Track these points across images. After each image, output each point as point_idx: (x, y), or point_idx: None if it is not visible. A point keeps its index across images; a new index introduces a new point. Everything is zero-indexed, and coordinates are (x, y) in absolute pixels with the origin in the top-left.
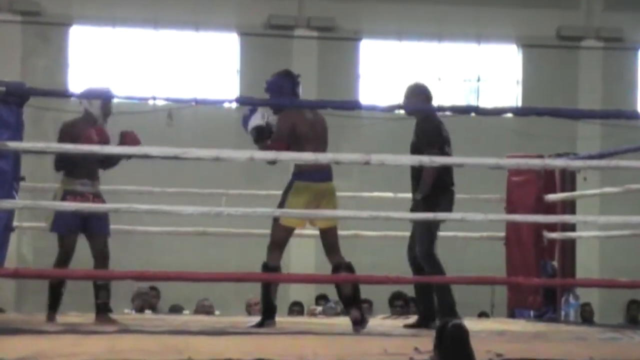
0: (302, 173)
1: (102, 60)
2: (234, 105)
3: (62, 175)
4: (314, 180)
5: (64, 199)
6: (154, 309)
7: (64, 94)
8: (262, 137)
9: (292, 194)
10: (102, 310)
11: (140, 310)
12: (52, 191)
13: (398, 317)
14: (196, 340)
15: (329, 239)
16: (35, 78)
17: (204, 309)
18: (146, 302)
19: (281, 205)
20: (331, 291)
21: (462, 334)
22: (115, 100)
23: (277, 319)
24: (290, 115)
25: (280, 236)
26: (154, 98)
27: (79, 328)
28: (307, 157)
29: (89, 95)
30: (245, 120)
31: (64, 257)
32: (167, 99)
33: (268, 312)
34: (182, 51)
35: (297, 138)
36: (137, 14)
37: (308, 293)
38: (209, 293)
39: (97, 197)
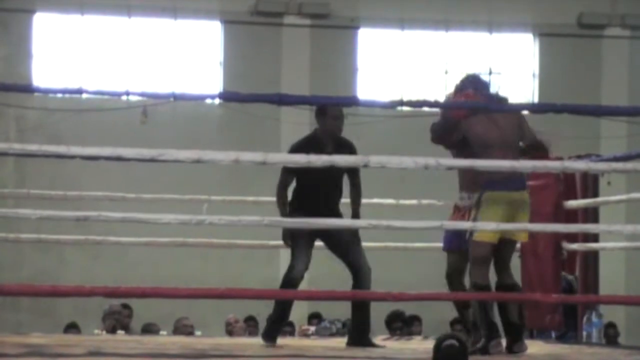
0: (495, 182)
1: (69, 51)
2: (217, 101)
3: None
4: (508, 189)
5: None
6: (126, 329)
7: (28, 89)
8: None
9: (485, 205)
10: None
11: (111, 330)
12: (13, 197)
13: (400, 338)
14: None
15: (508, 253)
16: None
17: (184, 329)
18: (118, 321)
19: (474, 220)
20: (325, 309)
21: (456, 354)
22: (84, 96)
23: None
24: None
25: (478, 252)
26: (128, 93)
27: (43, 350)
28: (298, 159)
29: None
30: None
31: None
32: (142, 95)
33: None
34: (159, 41)
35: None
36: None
37: (300, 311)
38: (188, 311)
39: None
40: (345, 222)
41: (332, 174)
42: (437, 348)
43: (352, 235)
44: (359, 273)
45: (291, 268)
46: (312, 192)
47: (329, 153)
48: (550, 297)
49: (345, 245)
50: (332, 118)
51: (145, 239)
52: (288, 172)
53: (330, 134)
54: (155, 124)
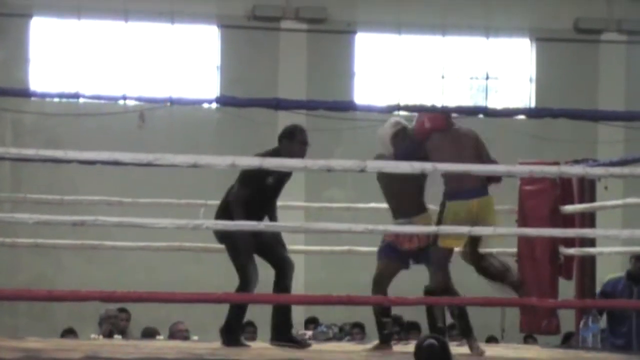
0: (454, 193)
1: (67, 56)
2: (214, 105)
3: None
4: (466, 198)
5: None
6: (123, 333)
7: (25, 93)
8: None
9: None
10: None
11: (108, 335)
12: (9, 201)
13: (397, 343)
14: None
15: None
16: None
17: (179, 334)
18: (115, 326)
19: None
20: (322, 313)
21: (437, 353)
22: (81, 101)
23: (261, 344)
24: None
25: (442, 258)
26: (125, 98)
27: (40, 355)
28: (294, 164)
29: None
30: None
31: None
32: (139, 99)
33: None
34: (156, 45)
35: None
36: (105, 3)
37: (296, 315)
38: (185, 315)
39: None
40: (341, 226)
41: (277, 193)
42: (418, 349)
43: (277, 239)
44: (285, 266)
45: (247, 283)
46: (259, 210)
47: (285, 177)
48: (546, 301)
49: (271, 247)
50: (300, 143)
51: (142, 243)
52: (247, 188)
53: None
54: (152, 128)
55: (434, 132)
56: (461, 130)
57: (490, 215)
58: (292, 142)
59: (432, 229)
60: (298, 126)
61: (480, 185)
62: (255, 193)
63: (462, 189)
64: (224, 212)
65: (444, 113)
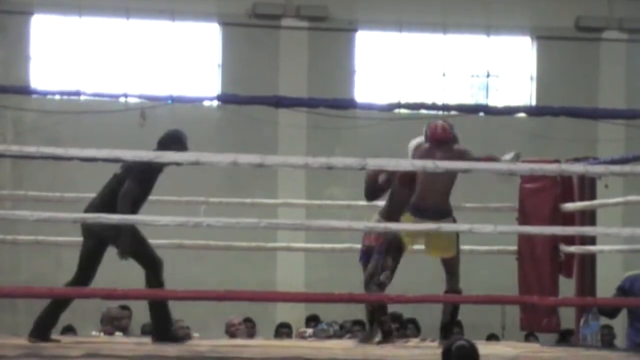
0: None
1: (67, 53)
2: (215, 103)
3: None
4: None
5: None
6: (125, 331)
7: (25, 91)
8: None
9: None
10: None
11: (110, 332)
12: (10, 199)
13: (397, 341)
14: None
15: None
16: None
17: (180, 331)
18: (117, 327)
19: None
20: (322, 311)
21: (468, 354)
22: (82, 98)
23: (262, 341)
24: None
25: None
26: (126, 95)
27: (42, 352)
28: (295, 161)
29: None
30: None
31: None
32: (140, 97)
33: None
34: (157, 43)
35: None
36: (106, 1)
37: (297, 313)
38: (185, 313)
39: None
40: (342, 224)
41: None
42: (448, 351)
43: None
44: (158, 265)
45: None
46: (137, 207)
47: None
48: (547, 299)
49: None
50: (185, 149)
51: None
52: (140, 184)
53: None
54: (153, 126)
55: (434, 141)
56: (455, 150)
57: (446, 240)
58: (182, 147)
59: (431, 226)
60: (181, 131)
61: (445, 209)
62: (144, 189)
63: (425, 206)
64: (105, 206)
65: (445, 110)
